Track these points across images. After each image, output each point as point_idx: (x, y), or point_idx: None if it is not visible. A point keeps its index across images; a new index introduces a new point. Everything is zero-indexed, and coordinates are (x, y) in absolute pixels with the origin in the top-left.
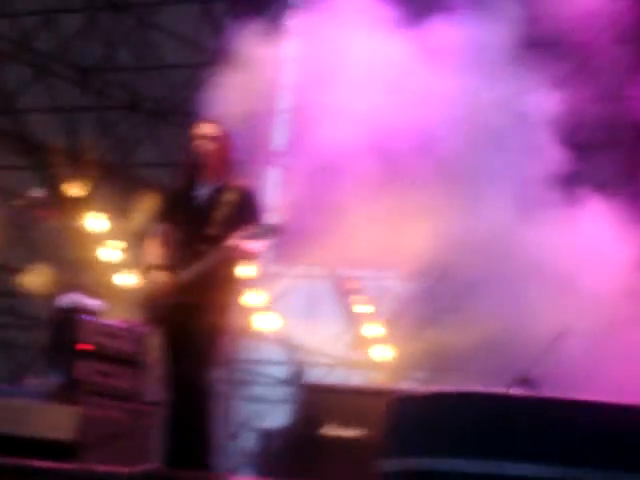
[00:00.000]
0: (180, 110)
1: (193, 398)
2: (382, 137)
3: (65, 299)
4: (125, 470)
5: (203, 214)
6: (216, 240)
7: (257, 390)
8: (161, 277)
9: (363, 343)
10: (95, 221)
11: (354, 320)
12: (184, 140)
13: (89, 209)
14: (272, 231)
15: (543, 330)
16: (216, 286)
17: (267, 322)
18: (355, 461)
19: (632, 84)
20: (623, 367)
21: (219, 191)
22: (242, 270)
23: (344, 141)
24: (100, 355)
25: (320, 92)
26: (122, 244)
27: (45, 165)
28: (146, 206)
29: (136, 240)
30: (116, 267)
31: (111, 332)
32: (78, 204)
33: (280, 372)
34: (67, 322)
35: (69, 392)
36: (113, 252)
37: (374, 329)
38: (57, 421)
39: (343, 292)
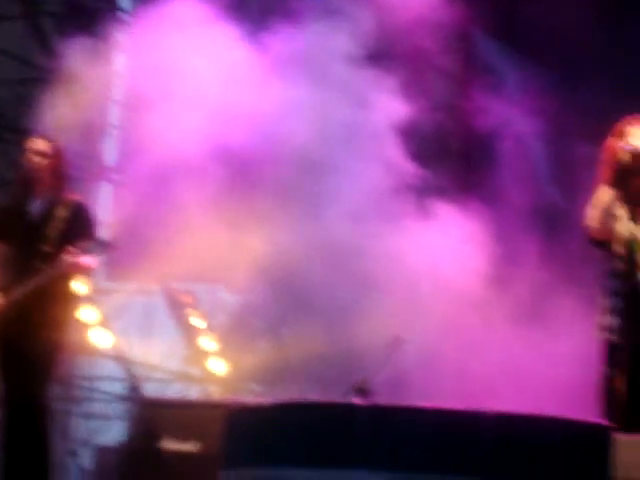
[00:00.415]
0: (10, 127)
1: (29, 416)
2: (219, 147)
3: None
4: None
5: (37, 230)
6: (50, 256)
7: (94, 406)
8: None
9: (198, 357)
10: None
11: (189, 334)
12: (16, 157)
13: None
14: (104, 246)
15: (380, 340)
16: (51, 302)
17: (102, 338)
18: (194, 475)
19: (462, 94)
20: (462, 374)
21: (52, 206)
22: (76, 286)
23: (179, 152)
24: None
25: (152, 105)
26: None
27: None
28: None
29: None
30: None
31: None
32: None
33: (116, 388)
34: None
35: None
36: None
37: (209, 343)
38: None
39: (177, 306)
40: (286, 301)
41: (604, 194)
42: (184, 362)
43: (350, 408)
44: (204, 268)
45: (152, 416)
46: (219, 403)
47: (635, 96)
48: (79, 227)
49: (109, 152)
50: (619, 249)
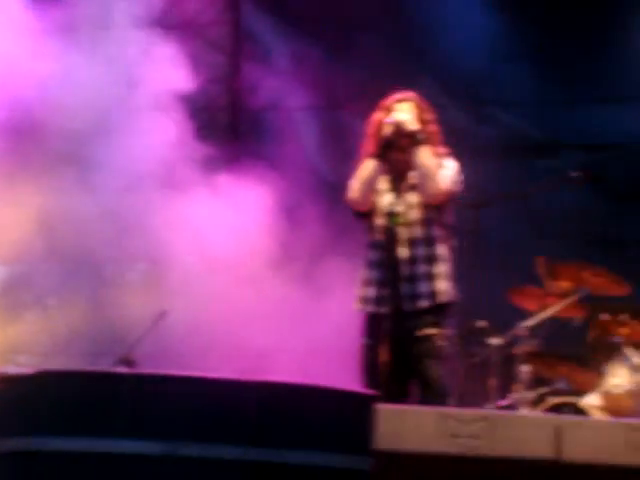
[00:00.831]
0: None
1: None
2: None
3: None
4: None
5: None
6: None
7: None
8: None
9: None
10: None
11: None
12: None
13: None
14: None
15: (146, 311)
16: None
17: None
18: None
19: (233, 67)
20: (232, 345)
21: None
22: None
23: None
24: None
25: None
26: None
27: None
28: None
29: None
30: None
31: None
32: None
33: None
34: None
35: None
36: None
37: None
38: None
39: None
40: (54, 273)
41: (367, 166)
42: None
43: (113, 377)
44: None
45: None
46: None
47: (404, 71)
48: None
49: None
50: (379, 221)
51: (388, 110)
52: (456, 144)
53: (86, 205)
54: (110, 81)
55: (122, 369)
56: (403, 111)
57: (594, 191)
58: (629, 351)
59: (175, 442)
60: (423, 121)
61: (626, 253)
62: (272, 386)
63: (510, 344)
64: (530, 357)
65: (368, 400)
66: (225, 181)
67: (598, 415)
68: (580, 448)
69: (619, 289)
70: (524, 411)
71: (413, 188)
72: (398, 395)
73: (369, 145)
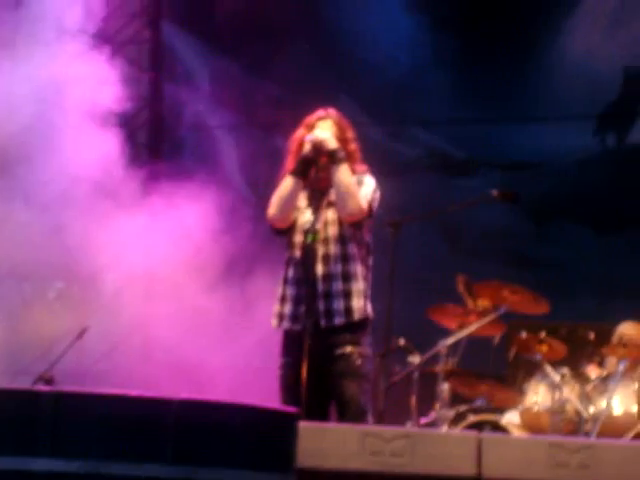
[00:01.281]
0: None
1: None
2: None
3: None
4: None
5: None
6: None
7: None
8: None
9: None
10: None
11: None
12: None
13: None
14: None
15: (66, 330)
16: None
17: None
18: None
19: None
20: (149, 363)
21: None
22: None
23: None
24: None
25: None
26: None
27: None
28: None
29: None
30: None
31: None
32: None
33: None
34: None
35: None
36: None
37: None
38: None
39: None
40: None
41: (287, 184)
42: None
43: (31, 394)
44: None
45: None
46: None
47: (323, 88)
48: None
49: None
50: (297, 238)
51: (310, 127)
52: (375, 162)
53: (6, 221)
54: (32, 98)
55: (42, 387)
56: (323, 129)
57: (513, 210)
58: (548, 369)
59: (95, 460)
60: (343, 139)
61: (543, 272)
62: (192, 403)
63: (430, 362)
64: (450, 375)
65: (290, 418)
66: (148, 199)
67: (518, 433)
68: (501, 465)
69: (538, 307)
70: (444, 429)
71: (331, 205)
72: (318, 414)
73: (290, 162)
